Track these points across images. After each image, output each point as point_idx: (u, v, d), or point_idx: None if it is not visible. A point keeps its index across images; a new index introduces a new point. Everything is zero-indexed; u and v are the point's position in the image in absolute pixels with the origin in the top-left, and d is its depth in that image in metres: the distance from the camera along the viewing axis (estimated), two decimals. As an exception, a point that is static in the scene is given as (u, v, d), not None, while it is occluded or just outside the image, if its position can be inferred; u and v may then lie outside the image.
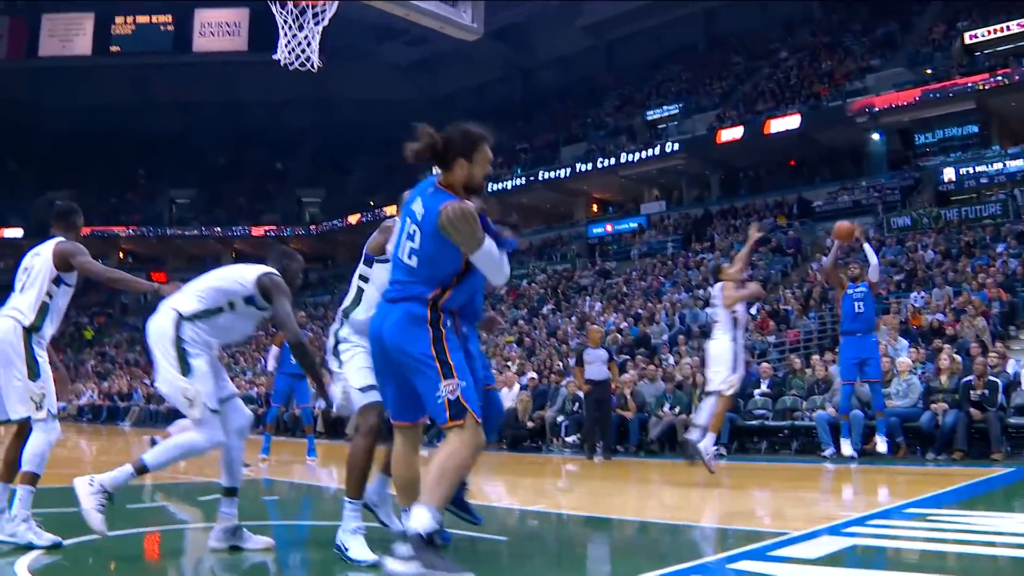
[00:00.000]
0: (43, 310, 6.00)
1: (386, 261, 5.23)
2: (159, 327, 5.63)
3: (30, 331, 5.90)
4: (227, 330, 5.81)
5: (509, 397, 19.19)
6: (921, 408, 13.48)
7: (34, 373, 5.88)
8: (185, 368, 5.47)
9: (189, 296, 5.74)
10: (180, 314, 5.61)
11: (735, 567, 4.94)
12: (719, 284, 10.71)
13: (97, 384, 37.59)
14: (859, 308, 11.62)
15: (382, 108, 56.66)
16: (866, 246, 12.69)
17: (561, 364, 21.05)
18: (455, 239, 4.43)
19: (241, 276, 5.79)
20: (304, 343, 5.91)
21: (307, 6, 6.77)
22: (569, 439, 16.82)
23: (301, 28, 6.82)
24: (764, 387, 16.02)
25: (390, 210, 47.17)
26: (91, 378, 40.52)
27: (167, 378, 5.50)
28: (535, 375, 19.94)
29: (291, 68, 6.73)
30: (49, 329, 6.05)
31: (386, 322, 4.58)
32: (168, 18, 57.63)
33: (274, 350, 14.72)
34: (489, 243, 4.45)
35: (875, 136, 33.88)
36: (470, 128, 4.72)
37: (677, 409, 15.87)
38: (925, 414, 13.23)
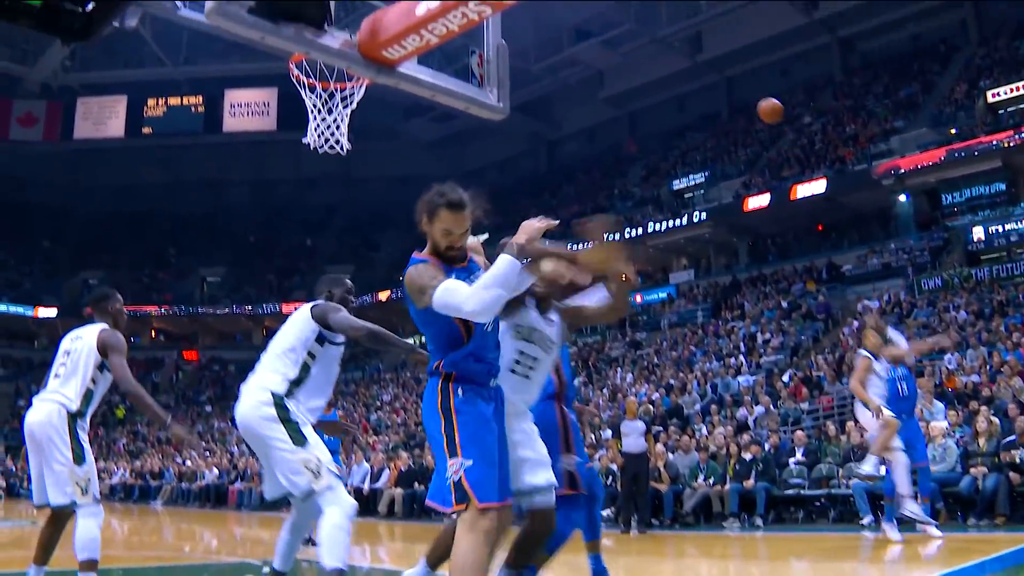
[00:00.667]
0: (87, 396, 6.10)
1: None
2: (259, 411, 5.51)
3: (75, 416, 5.98)
4: (322, 382, 5.83)
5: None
6: (960, 472, 13.31)
7: (79, 458, 5.98)
8: (300, 439, 5.41)
9: (270, 372, 5.67)
10: (274, 393, 5.54)
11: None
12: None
13: (129, 463, 37.61)
14: (904, 391, 11.13)
15: (409, 184, 56.76)
16: (891, 331, 12.31)
17: (594, 437, 20.93)
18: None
19: (297, 321, 5.85)
20: None
21: (336, 90, 6.89)
22: (603, 513, 16.67)
23: (330, 112, 6.93)
24: (799, 455, 15.85)
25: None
26: (123, 456, 40.60)
27: (285, 456, 5.39)
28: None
29: (321, 151, 6.82)
30: (89, 413, 6.13)
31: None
32: (199, 99, 58.58)
33: None
34: (444, 291, 4.17)
35: (902, 198, 33.79)
36: (432, 193, 4.57)
37: (711, 480, 15.74)
38: (965, 478, 13.04)
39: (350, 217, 60.18)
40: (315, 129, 7.00)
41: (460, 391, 4.30)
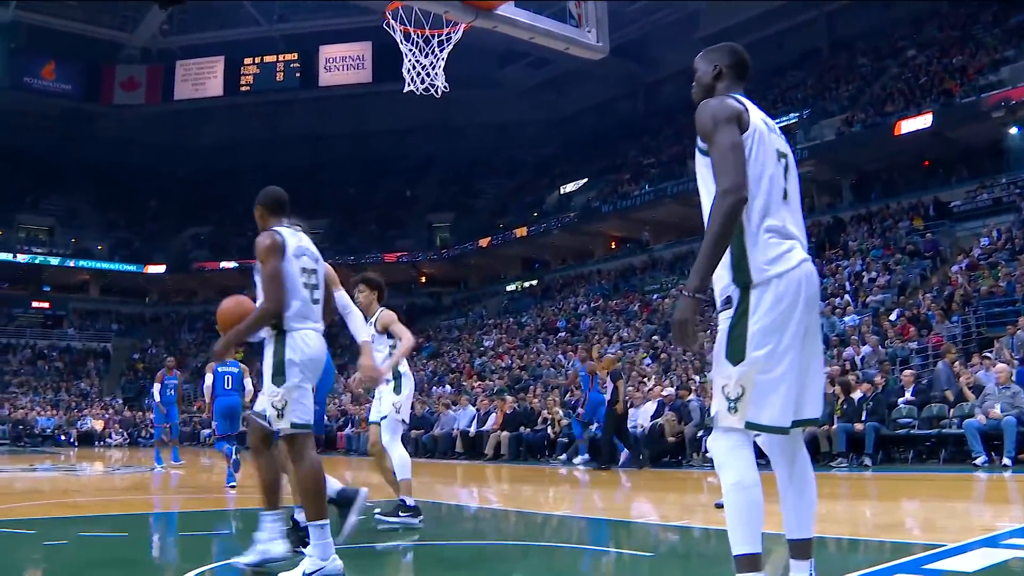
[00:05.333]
0: None
1: None
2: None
3: None
4: None
5: (646, 413, 19.11)
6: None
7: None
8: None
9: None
10: None
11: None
12: None
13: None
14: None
15: (507, 131, 57.22)
16: None
17: (698, 378, 20.84)
18: None
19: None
20: None
21: (432, 36, 6.89)
22: (710, 454, 16.58)
23: (426, 56, 6.94)
24: (908, 395, 15.60)
25: (519, 232, 47.45)
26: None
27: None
28: (672, 391, 19.80)
29: (418, 94, 6.85)
30: None
31: None
32: (294, 56, 59.40)
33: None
34: None
35: (1013, 130, 32.67)
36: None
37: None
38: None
39: (449, 166, 60.40)
40: (410, 71, 7.02)
41: None
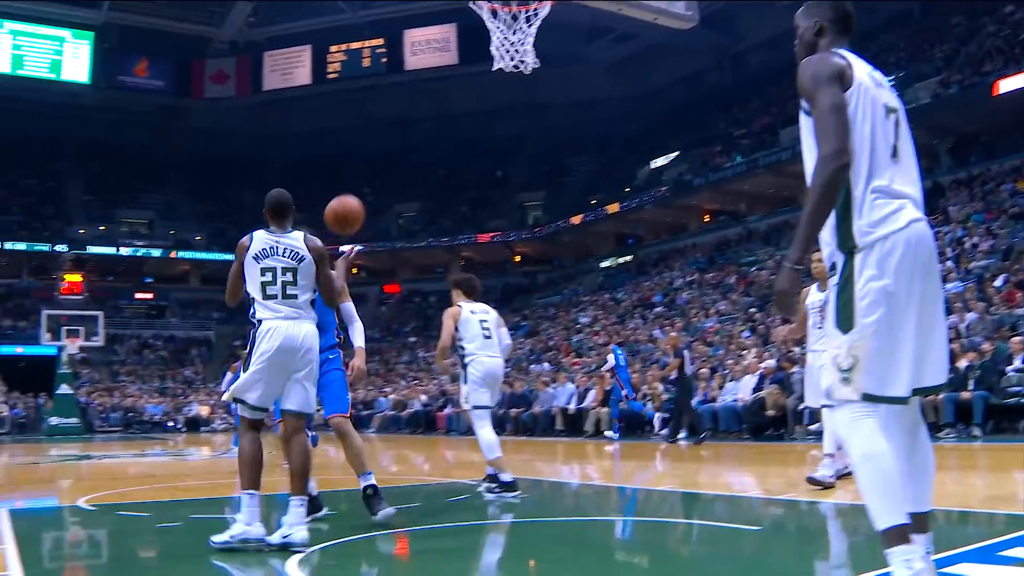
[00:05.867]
0: None
1: None
2: None
3: None
4: None
5: (746, 386, 18.96)
6: None
7: None
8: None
9: None
10: None
11: (1006, 554, 4.63)
12: None
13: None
14: None
15: (594, 107, 56.92)
16: None
17: (798, 350, 20.56)
18: None
19: None
20: None
21: (519, 12, 6.84)
22: (813, 427, 16.42)
23: (515, 32, 6.90)
24: (1018, 363, 15.17)
25: (611, 208, 47.27)
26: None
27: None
28: (773, 362, 19.59)
29: (508, 71, 6.82)
30: None
31: None
32: (380, 41, 59.82)
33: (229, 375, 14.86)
34: None
35: (1118, 84, 31.59)
36: None
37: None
38: None
39: (538, 145, 60.30)
40: (499, 48, 7.01)
41: None
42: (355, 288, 46.94)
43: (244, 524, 5.74)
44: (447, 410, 28.88)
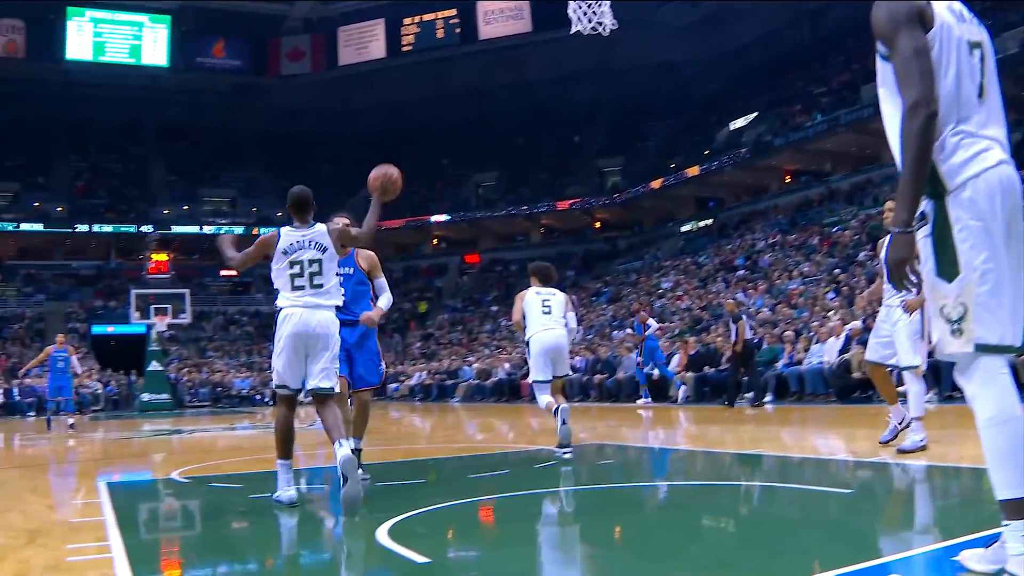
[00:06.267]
0: None
1: None
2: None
3: None
4: None
5: (831, 349, 18.72)
6: None
7: None
8: None
9: None
10: None
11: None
12: None
13: (426, 364, 39.57)
14: None
15: (670, 70, 56.35)
16: None
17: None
18: None
19: None
20: None
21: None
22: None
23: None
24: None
25: (691, 171, 46.82)
26: (418, 359, 42.77)
27: None
28: (859, 324, 19.28)
29: (586, 33, 6.76)
30: None
31: None
32: (452, 12, 59.88)
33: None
34: None
35: None
36: None
37: None
38: None
39: (614, 110, 59.94)
40: (577, 11, 6.96)
41: None
42: (436, 259, 47.23)
43: (282, 489, 6.54)
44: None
